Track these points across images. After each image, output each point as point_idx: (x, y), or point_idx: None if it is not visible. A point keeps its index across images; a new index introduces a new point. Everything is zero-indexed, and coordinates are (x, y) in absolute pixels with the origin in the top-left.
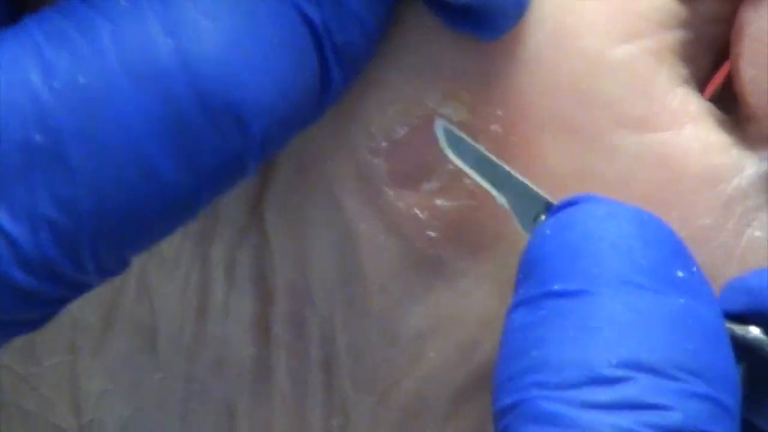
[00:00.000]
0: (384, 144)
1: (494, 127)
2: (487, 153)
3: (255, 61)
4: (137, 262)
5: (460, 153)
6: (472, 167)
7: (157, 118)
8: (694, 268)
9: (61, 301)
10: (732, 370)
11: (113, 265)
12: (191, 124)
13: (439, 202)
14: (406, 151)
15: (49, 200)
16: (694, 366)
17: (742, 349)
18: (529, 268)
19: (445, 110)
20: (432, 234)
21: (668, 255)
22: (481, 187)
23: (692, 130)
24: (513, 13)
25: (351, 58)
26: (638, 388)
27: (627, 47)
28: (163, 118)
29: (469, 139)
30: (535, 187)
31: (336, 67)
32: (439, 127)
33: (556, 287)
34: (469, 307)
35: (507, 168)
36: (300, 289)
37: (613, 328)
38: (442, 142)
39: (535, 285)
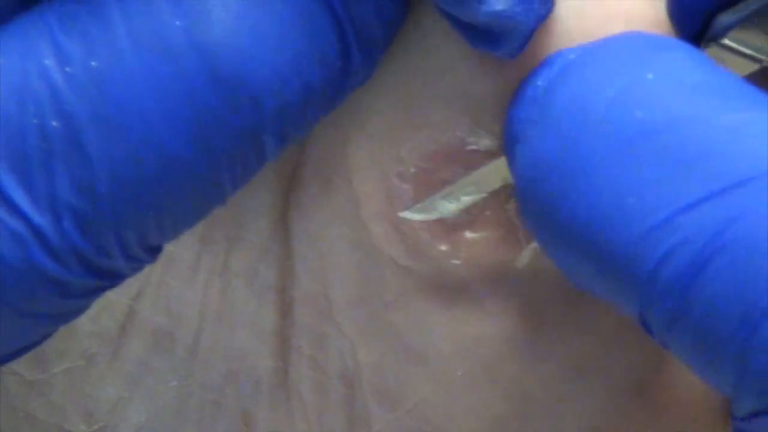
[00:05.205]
0: (412, 170)
1: None
2: (448, 190)
3: (267, 37)
4: (156, 267)
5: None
6: (459, 203)
7: (168, 98)
8: None
9: (95, 290)
10: None
11: (141, 252)
12: (204, 103)
13: (465, 234)
14: (434, 178)
15: (69, 186)
16: None
17: None
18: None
19: (473, 139)
20: (456, 262)
21: None
22: (505, 217)
23: None
24: (527, 31)
25: (371, 41)
26: None
27: None
28: (175, 98)
29: (429, 201)
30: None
31: (357, 49)
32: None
33: None
34: (494, 327)
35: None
36: (320, 304)
37: None
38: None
39: None
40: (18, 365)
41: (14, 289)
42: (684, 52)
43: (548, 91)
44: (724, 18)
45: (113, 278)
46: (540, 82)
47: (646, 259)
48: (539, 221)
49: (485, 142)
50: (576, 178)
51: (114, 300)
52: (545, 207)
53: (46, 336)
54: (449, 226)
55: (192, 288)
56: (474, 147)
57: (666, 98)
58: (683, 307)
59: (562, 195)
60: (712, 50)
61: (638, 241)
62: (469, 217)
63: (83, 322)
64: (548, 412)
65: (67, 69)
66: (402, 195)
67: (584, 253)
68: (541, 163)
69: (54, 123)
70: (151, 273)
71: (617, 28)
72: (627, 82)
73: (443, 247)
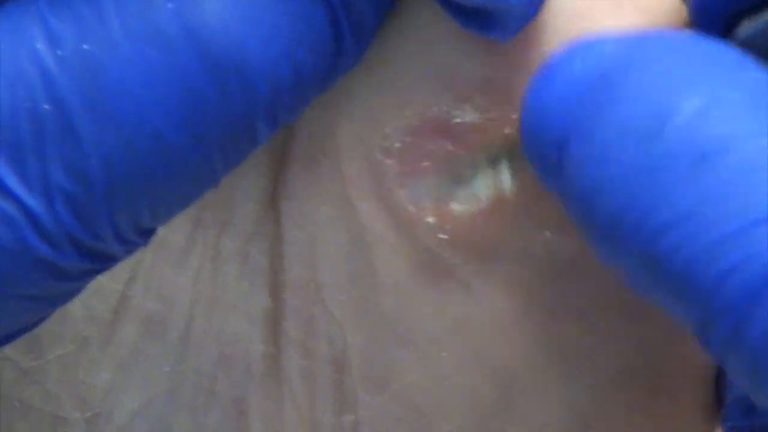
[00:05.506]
0: (398, 145)
1: (508, 130)
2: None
3: (260, 22)
4: (147, 251)
5: None
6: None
7: (160, 83)
8: None
9: (88, 273)
10: None
11: (133, 235)
12: (196, 88)
13: (451, 206)
14: (420, 153)
15: (61, 169)
16: None
17: None
18: None
19: (458, 112)
20: (443, 236)
21: None
22: (494, 188)
23: None
24: (522, 14)
25: (363, 26)
26: None
27: None
28: (166, 83)
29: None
30: None
31: (349, 34)
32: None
33: None
34: (481, 309)
35: None
36: (309, 287)
37: None
38: None
39: None
40: (12, 351)
41: (7, 271)
42: (757, 68)
43: (602, 90)
44: (746, 25)
45: (106, 261)
46: (579, 81)
47: (711, 269)
48: (602, 231)
49: (471, 116)
50: (646, 189)
51: (106, 285)
52: (610, 216)
53: (40, 320)
54: (435, 198)
55: (184, 273)
56: (459, 120)
57: (748, 114)
58: (744, 324)
59: (629, 206)
60: None
61: (707, 249)
62: (451, 189)
63: (76, 306)
64: (534, 395)
65: (59, 52)
66: (387, 170)
67: (650, 261)
68: (604, 174)
69: (46, 106)
70: (143, 258)
71: (627, 15)
72: (710, 97)
73: (429, 220)
